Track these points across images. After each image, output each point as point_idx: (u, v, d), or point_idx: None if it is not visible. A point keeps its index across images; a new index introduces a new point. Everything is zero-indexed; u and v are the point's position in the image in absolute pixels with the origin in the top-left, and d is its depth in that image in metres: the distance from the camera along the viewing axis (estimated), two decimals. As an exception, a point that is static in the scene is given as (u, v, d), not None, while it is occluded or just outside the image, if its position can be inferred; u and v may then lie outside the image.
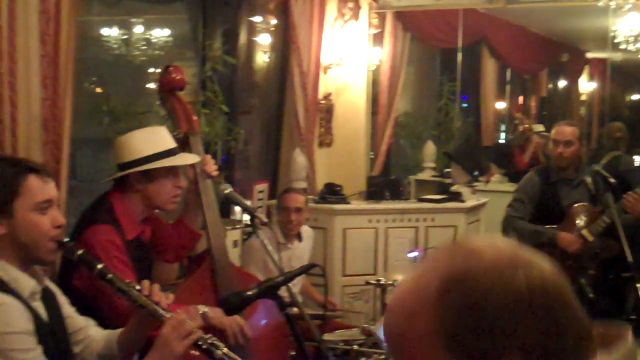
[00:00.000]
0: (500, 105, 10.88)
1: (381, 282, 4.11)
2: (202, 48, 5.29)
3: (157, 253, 3.29)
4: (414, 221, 5.82)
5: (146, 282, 2.26)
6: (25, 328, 2.05)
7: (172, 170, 3.06)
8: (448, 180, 7.07)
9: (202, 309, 2.95)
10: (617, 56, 9.98)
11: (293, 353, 3.67)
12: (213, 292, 3.16)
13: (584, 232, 4.57)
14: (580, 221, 4.63)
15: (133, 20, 6.50)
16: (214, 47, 5.10)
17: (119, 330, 2.40)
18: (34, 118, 3.48)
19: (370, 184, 6.58)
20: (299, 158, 5.77)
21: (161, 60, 6.34)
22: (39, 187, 2.15)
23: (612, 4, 6.26)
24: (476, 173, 7.24)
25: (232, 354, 2.16)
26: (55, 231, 2.19)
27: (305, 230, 4.83)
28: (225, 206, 4.85)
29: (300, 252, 4.66)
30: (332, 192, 5.78)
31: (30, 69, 3.44)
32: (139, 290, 2.21)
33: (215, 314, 2.94)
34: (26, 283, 2.16)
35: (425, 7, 6.57)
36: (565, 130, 4.75)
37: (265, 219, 3.05)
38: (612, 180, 4.57)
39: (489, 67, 9.96)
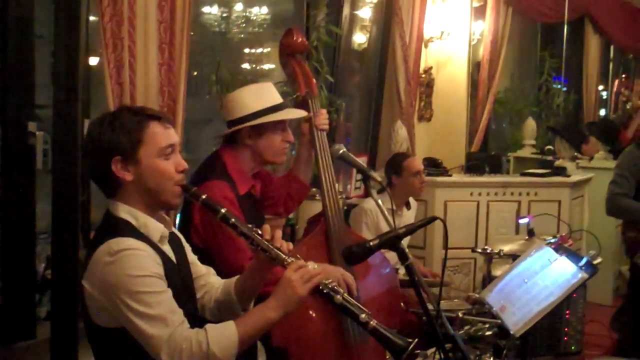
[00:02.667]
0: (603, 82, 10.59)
1: (487, 251, 4.07)
2: (305, 19, 5.32)
3: (268, 206, 3.35)
4: (516, 195, 5.74)
5: (267, 227, 2.28)
6: (156, 271, 2.10)
7: (281, 125, 3.10)
8: (549, 158, 6.94)
9: (312, 265, 3.00)
10: None
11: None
12: (326, 253, 3.20)
13: None
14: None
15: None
16: (318, 17, 5.12)
17: (236, 277, 2.45)
18: (151, 82, 3.57)
19: (469, 159, 6.53)
20: (401, 130, 5.77)
21: (258, 40, 6.43)
22: (161, 133, 2.20)
23: None
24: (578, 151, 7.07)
25: (351, 300, 2.18)
26: (179, 175, 2.23)
27: (412, 200, 4.87)
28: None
29: (408, 220, 4.69)
30: (433, 165, 5.76)
31: (148, 34, 3.54)
32: (260, 235, 2.25)
33: (325, 268, 3.00)
34: (155, 227, 2.22)
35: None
36: None
37: (379, 179, 3.06)
38: None
39: (593, 44, 9.69)
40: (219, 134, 3.26)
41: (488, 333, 3.75)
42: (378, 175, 3.10)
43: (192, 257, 2.47)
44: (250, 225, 2.27)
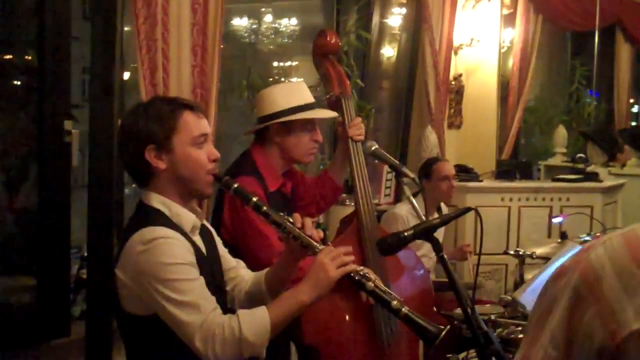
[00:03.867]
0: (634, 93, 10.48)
1: (520, 253, 4.04)
2: (336, 26, 5.35)
3: (300, 207, 3.35)
4: (547, 200, 5.71)
5: (298, 215, 2.28)
6: (189, 259, 2.11)
7: (310, 124, 3.12)
8: (580, 166, 6.89)
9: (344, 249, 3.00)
10: None
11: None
12: (360, 253, 3.20)
13: None
14: None
15: (262, 9, 6.64)
16: (348, 23, 5.15)
17: (267, 270, 2.45)
18: (184, 85, 3.61)
19: (500, 166, 6.50)
20: (431, 136, 5.76)
21: (287, 53, 6.47)
22: (194, 122, 2.21)
23: None
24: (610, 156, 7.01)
25: (383, 287, 2.18)
26: (212, 164, 2.24)
27: (443, 206, 4.84)
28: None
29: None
30: (464, 171, 5.75)
31: (182, 37, 3.58)
32: (292, 223, 2.25)
33: None
34: (187, 217, 2.23)
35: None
36: None
37: (412, 175, 3.06)
38: None
39: (623, 52, 9.61)
40: (248, 130, 3.28)
41: (521, 336, 3.74)
42: (410, 172, 3.09)
43: (222, 250, 2.48)
44: (281, 214, 2.28)
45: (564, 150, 7.69)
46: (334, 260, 2.17)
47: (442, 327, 2.08)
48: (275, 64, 6.67)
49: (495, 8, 6.76)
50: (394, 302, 2.13)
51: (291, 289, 2.22)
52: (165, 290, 2.05)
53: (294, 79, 6.32)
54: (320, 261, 2.17)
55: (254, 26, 6.64)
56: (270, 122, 3.08)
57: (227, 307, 2.37)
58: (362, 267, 2.22)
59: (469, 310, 2.19)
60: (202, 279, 2.13)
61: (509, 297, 3.92)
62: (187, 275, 2.09)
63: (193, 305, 2.06)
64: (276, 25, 6.72)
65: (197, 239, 2.28)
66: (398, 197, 5.87)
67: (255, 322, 2.11)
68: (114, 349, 3.41)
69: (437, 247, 2.17)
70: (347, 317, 3.15)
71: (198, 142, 2.22)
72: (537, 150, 8.50)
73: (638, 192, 6.65)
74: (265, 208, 2.26)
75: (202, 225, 2.36)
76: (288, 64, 6.63)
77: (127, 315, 2.17)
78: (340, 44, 3.49)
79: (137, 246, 2.09)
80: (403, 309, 2.11)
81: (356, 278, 2.17)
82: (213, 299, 2.13)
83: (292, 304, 2.17)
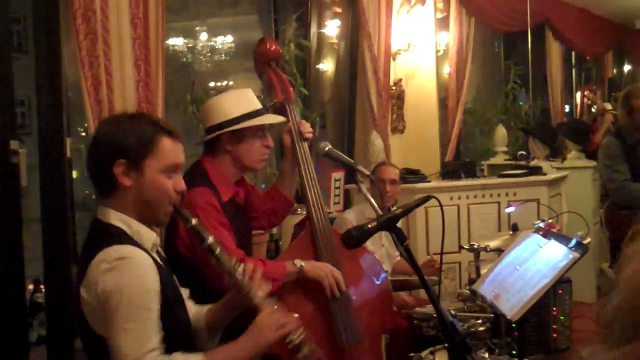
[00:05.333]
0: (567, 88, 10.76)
1: (475, 247, 4.09)
2: (275, 35, 5.36)
3: (252, 219, 3.35)
4: (495, 196, 5.79)
5: (250, 266, 2.31)
6: (154, 287, 2.09)
7: (261, 130, 3.13)
8: (522, 162, 7.01)
9: (299, 262, 3.02)
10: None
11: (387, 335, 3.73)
12: (314, 253, 3.20)
13: None
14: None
15: (197, 28, 6.59)
16: (287, 33, 5.17)
17: (209, 307, 2.45)
18: (129, 100, 3.58)
19: (445, 167, 6.58)
20: (377, 141, 5.81)
21: (224, 71, 6.43)
22: (171, 150, 2.19)
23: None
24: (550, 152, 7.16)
25: (316, 354, 2.26)
26: (176, 196, 2.22)
27: (394, 207, 4.86)
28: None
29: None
30: (411, 173, 5.80)
31: (124, 52, 3.55)
32: (242, 272, 2.26)
33: (312, 266, 3.05)
34: (148, 235, 2.21)
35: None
36: None
37: (367, 172, 3.07)
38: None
39: (554, 50, 9.86)
40: (198, 141, 3.26)
41: (481, 329, 3.78)
42: (365, 170, 3.11)
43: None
44: (233, 261, 2.29)
45: (505, 148, 7.82)
46: (274, 323, 2.22)
47: None
48: (212, 84, 6.63)
49: (429, 12, 6.87)
50: None
51: (231, 343, 2.24)
52: (120, 313, 2.02)
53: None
54: (260, 325, 2.22)
55: (190, 45, 6.59)
56: (221, 132, 3.07)
57: (189, 321, 2.36)
58: (301, 330, 2.28)
59: (437, 301, 2.22)
60: (157, 313, 2.09)
61: (467, 291, 3.98)
62: (146, 303, 2.06)
63: (137, 337, 2.03)
64: (212, 43, 6.68)
65: (156, 257, 2.25)
66: (347, 204, 5.90)
67: None
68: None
69: (400, 236, 2.19)
70: (306, 324, 3.14)
71: (169, 170, 2.20)
72: (478, 150, 8.63)
73: (579, 182, 6.80)
74: (218, 251, 2.26)
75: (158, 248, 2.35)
76: (225, 83, 6.60)
77: (93, 335, 2.11)
78: (280, 50, 3.51)
79: (101, 265, 2.05)
80: None
81: (294, 342, 2.27)
82: (159, 337, 2.08)
83: (231, 357, 2.21)
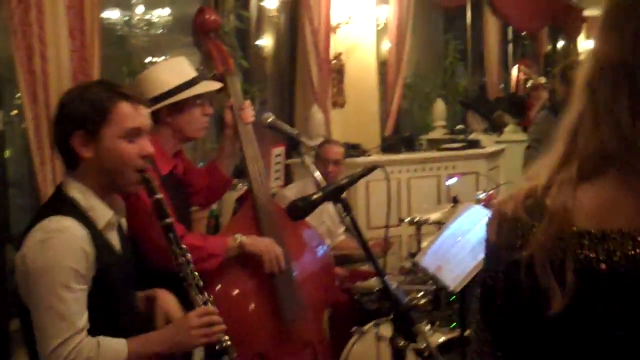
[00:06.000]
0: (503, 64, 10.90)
1: (416, 220, 4.12)
2: (215, 6, 5.26)
3: (190, 194, 3.28)
4: (435, 170, 5.85)
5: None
6: (82, 266, 2.02)
7: (200, 98, 3.04)
8: (461, 136, 7.09)
9: (239, 237, 2.97)
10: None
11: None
12: (255, 228, 3.16)
13: None
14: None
15: (133, 1, 6.43)
16: (227, 3, 5.08)
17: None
18: (64, 70, 3.45)
19: (385, 141, 6.60)
20: (318, 115, 5.78)
21: (159, 46, 6.29)
22: (129, 114, 2.11)
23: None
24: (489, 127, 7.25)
25: None
26: (141, 161, 2.14)
27: None
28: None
29: (331, 207, 4.67)
30: (351, 148, 5.79)
31: (58, 20, 3.42)
32: (187, 262, 2.22)
33: (253, 241, 2.99)
34: (102, 213, 2.13)
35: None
36: None
37: (311, 143, 3.04)
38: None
39: (491, 25, 9.96)
40: None
41: (423, 301, 3.81)
42: (309, 141, 3.08)
43: None
44: (189, 255, 2.24)
45: (444, 123, 7.89)
46: (201, 326, 2.17)
47: None
48: (148, 59, 6.48)
49: (369, -15, 6.84)
50: None
51: (154, 333, 2.22)
52: (44, 288, 1.97)
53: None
54: (188, 325, 2.17)
55: (126, 18, 6.43)
56: (162, 104, 2.99)
57: (134, 309, 2.32)
58: (226, 338, 2.22)
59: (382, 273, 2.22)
60: (83, 294, 2.03)
61: (409, 264, 4.00)
62: (70, 283, 1.99)
63: (63, 317, 1.98)
64: (149, 16, 6.52)
65: (113, 236, 2.19)
66: (288, 180, 5.87)
67: (112, 354, 2.06)
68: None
69: (346, 207, 2.17)
70: (248, 300, 3.12)
71: (130, 135, 2.12)
72: (417, 125, 8.69)
73: (516, 156, 6.89)
74: (172, 235, 2.21)
75: (119, 225, 2.28)
76: (162, 58, 6.46)
77: (24, 308, 2.06)
78: (220, 20, 3.43)
79: (37, 234, 2.00)
80: None
81: (217, 347, 2.20)
82: (85, 317, 2.04)
83: (149, 348, 2.15)
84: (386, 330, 3.44)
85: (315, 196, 2.12)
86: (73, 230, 2.02)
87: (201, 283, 2.25)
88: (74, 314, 1.99)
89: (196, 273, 2.24)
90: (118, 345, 2.08)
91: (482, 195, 3.45)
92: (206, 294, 2.25)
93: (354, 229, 2.17)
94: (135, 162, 2.13)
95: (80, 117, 2.08)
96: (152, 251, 2.63)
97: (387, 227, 2.47)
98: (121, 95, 2.13)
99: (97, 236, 2.08)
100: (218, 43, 3.33)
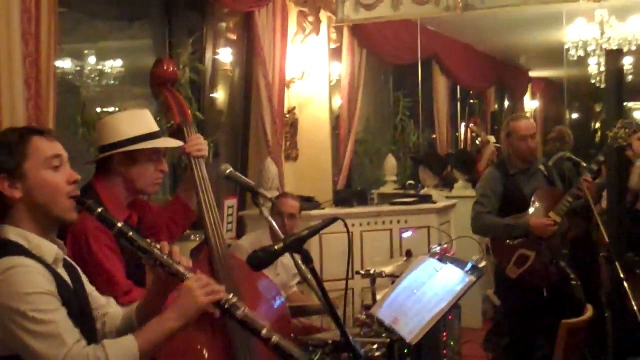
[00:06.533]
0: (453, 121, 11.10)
1: (370, 272, 4.13)
2: (169, 57, 5.28)
3: (151, 235, 3.23)
4: (387, 223, 5.88)
5: (165, 243, 2.21)
6: (48, 288, 1.98)
7: (155, 153, 3.02)
8: (411, 191, 7.17)
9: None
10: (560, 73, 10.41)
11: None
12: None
13: (551, 214, 4.69)
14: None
15: (86, 51, 6.42)
16: (182, 56, 5.10)
17: (136, 304, 2.35)
18: (18, 119, 3.43)
19: (337, 194, 6.64)
20: (271, 167, 5.80)
21: (110, 97, 6.28)
22: (45, 145, 2.11)
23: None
24: (439, 182, 7.36)
25: (252, 314, 2.14)
26: (71, 187, 2.13)
27: None
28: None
29: (288, 259, 4.66)
30: (305, 200, 5.80)
31: (14, 68, 3.41)
32: (159, 249, 2.17)
33: None
34: (49, 249, 2.11)
35: (384, 17, 6.62)
36: (531, 123, 4.96)
37: (269, 195, 3.04)
38: (582, 162, 4.79)
39: (441, 84, 10.17)
40: (88, 160, 3.15)
41: (377, 354, 3.80)
42: (267, 193, 3.08)
43: (90, 288, 2.35)
44: (148, 240, 2.19)
45: (394, 178, 7.98)
46: (203, 287, 2.12)
47: (313, 353, 2.08)
48: (98, 109, 6.45)
49: (322, 42, 6.96)
50: (264, 331, 2.10)
51: (159, 316, 2.14)
52: (23, 322, 1.92)
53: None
54: (189, 287, 2.11)
55: (78, 68, 6.40)
56: (113, 152, 2.97)
57: (96, 341, 2.24)
58: (231, 295, 2.16)
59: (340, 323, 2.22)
60: (63, 310, 2.01)
61: (363, 316, 3.98)
62: (46, 306, 1.96)
63: (54, 336, 1.94)
64: (100, 67, 6.50)
65: (62, 271, 2.15)
66: (240, 232, 5.85)
67: (122, 350, 2.02)
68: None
69: (307, 258, 2.17)
70: (204, 348, 3.07)
71: (52, 165, 2.11)
72: (368, 179, 8.76)
73: (466, 211, 6.97)
74: (131, 234, 2.18)
75: (66, 260, 2.24)
76: (112, 109, 6.43)
77: None
78: (177, 72, 3.45)
79: None
80: (273, 338, 2.09)
81: (225, 306, 2.13)
82: (76, 330, 2.01)
83: (160, 331, 2.10)
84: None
85: (276, 247, 2.12)
86: (29, 263, 1.99)
87: (190, 262, 2.23)
88: (65, 330, 1.96)
89: (168, 251, 2.18)
90: (124, 340, 2.05)
91: (437, 249, 3.48)
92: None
93: (315, 279, 2.17)
94: (65, 189, 2.13)
95: (0, 162, 2.07)
96: (105, 280, 2.65)
97: (346, 278, 2.48)
98: (32, 131, 2.14)
99: (51, 271, 2.05)
100: (175, 93, 3.32)
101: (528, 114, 13.45)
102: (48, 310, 1.96)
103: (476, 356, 5.73)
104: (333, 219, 2.27)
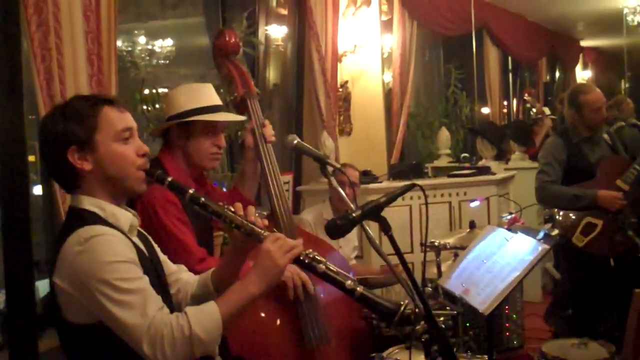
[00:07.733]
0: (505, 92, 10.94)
1: (436, 244, 4.08)
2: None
3: (212, 220, 3.23)
4: (447, 196, 5.80)
5: (239, 204, 2.19)
6: (131, 256, 1.98)
7: (212, 128, 3.00)
8: (466, 164, 7.07)
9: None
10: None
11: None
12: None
13: (619, 182, 4.59)
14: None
15: (136, 31, 6.43)
16: (237, 32, 5.06)
17: (212, 270, 2.34)
18: (82, 95, 3.44)
19: (392, 169, 6.58)
20: (328, 141, 5.76)
21: (164, 75, 6.28)
22: (116, 117, 2.09)
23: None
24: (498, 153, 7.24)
25: (334, 269, 2.11)
26: (141, 159, 2.12)
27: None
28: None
29: (349, 235, 4.64)
30: (363, 175, 5.75)
31: (76, 45, 3.41)
32: (233, 212, 2.15)
33: None
34: (124, 217, 2.11)
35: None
36: (600, 93, 4.86)
37: (337, 165, 2.99)
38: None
39: (492, 55, 10.01)
40: (152, 130, 3.14)
41: (444, 326, 3.75)
42: (335, 163, 3.04)
43: (162, 255, 2.35)
44: (221, 203, 2.17)
45: (448, 151, 7.88)
46: (281, 247, 2.09)
47: (401, 303, 2.02)
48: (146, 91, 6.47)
49: (374, 14, 6.86)
50: (348, 282, 2.07)
51: (240, 281, 2.12)
52: (108, 291, 1.91)
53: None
54: (267, 249, 2.08)
55: (129, 48, 6.42)
56: (169, 123, 2.96)
57: (173, 309, 2.23)
58: (310, 250, 2.13)
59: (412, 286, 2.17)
60: (146, 278, 2.01)
61: (429, 288, 3.94)
62: (129, 274, 1.96)
63: (138, 306, 1.93)
64: (150, 47, 6.50)
65: (137, 240, 2.15)
66: (296, 208, 5.84)
67: (206, 318, 2.00)
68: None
69: (385, 226, 2.14)
70: (272, 324, 3.07)
71: (123, 137, 2.10)
72: (421, 153, 8.68)
73: (524, 182, 6.88)
74: (203, 199, 2.16)
75: (139, 230, 2.24)
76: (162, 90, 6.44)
77: (71, 326, 2.00)
78: (240, 43, 3.41)
79: (73, 247, 1.94)
80: (358, 289, 2.05)
81: (306, 261, 2.10)
82: (159, 298, 2.01)
83: (242, 297, 2.07)
84: (404, 356, 3.38)
85: (354, 214, 2.08)
86: (110, 232, 1.99)
87: (266, 222, 2.20)
88: (148, 298, 1.96)
89: (242, 213, 2.17)
90: (206, 307, 2.03)
91: (506, 218, 3.41)
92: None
93: (393, 247, 2.13)
94: (136, 161, 2.12)
95: (70, 133, 2.05)
96: (179, 250, 2.67)
97: (425, 245, 2.42)
98: (103, 101, 2.12)
99: (127, 238, 2.05)
100: (239, 65, 3.30)
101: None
102: (132, 278, 1.96)
103: (538, 329, 5.65)
104: (411, 185, 2.23)
